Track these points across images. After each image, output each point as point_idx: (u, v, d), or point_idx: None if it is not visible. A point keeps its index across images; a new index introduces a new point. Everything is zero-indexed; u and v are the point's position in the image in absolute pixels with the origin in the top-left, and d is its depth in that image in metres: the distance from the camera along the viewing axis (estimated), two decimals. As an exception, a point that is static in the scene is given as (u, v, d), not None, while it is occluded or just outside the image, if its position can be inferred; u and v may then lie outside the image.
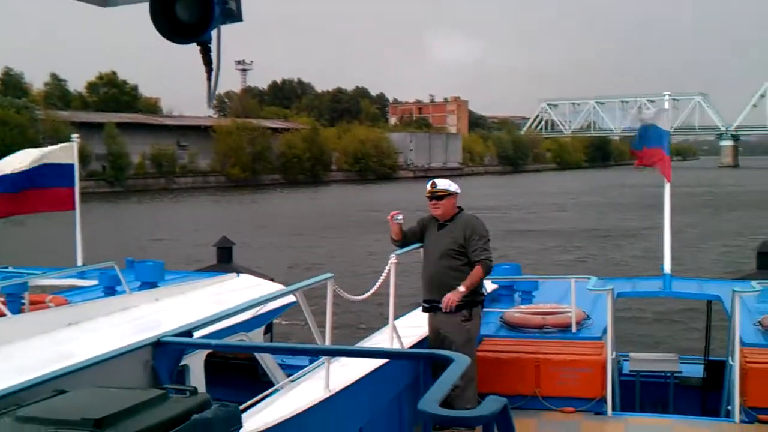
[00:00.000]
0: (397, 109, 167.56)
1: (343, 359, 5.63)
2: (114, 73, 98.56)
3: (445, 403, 2.57)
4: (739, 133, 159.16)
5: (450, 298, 6.39)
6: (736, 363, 6.83)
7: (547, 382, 6.97)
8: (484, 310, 8.17)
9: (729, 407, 6.87)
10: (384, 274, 6.50)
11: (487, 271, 6.57)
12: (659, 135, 8.93)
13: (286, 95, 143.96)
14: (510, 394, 7.04)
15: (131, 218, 49.29)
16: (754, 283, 7.76)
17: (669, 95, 9.64)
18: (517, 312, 8.17)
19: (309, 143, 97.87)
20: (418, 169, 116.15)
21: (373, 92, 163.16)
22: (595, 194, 70.18)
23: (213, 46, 2.41)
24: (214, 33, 2.38)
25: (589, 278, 7.87)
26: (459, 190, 6.72)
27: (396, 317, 6.93)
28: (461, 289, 6.39)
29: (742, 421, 6.62)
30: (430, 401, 2.49)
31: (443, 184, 6.65)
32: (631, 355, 9.96)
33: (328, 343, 5.40)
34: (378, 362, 5.69)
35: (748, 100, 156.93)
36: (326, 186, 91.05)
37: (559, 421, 6.79)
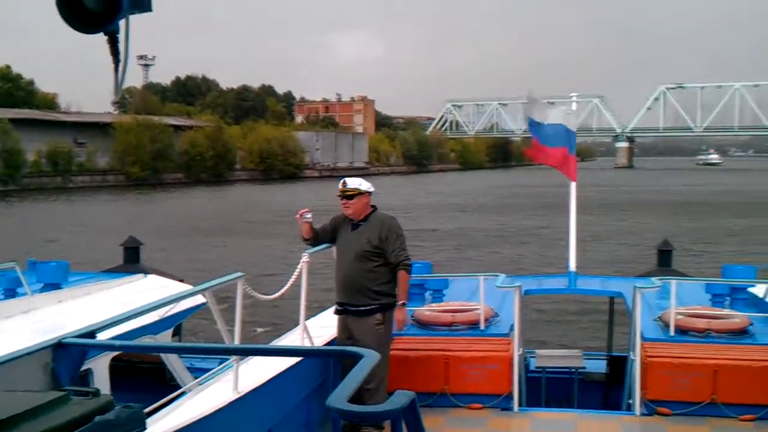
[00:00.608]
0: (304, 107, 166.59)
1: (253, 361, 5.56)
2: (8, 66, 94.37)
3: (358, 404, 2.52)
4: (634, 135, 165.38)
5: (401, 320, 6.47)
6: (637, 357, 7.03)
7: (455, 379, 7.01)
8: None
9: (630, 401, 7.08)
10: (295, 274, 6.40)
11: (410, 272, 6.53)
12: (566, 135, 9.11)
13: (190, 92, 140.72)
14: (419, 391, 7.03)
15: (28, 218, 47.26)
16: (654, 279, 8.02)
17: (576, 96, 9.87)
18: (427, 310, 8.19)
19: (213, 141, 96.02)
20: (325, 169, 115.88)
21: (280, 90, 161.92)
22: (501, 194, 71.60)
23: (120, 36, 2.32)
24: (121, 23, 2.29)
25: (498, 276, 7.97)
26: (372, 189, 6.59)
27: (307, 317, 6.85)
28: (402, 303, 6.40)
29: (642, 414, 6.82)
30: (339, 397, 2.46)
31: (354, 183, 6.53)
32: (538, 351, 10.18)
33: (237, 343, 5.28)
34: (288, 363, 5.62)
35: (643, 103, 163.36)
36: (231, 185, 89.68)
37: (466, 417, 6.84)
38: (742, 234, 36.96)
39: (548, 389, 9.29)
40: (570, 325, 17.30)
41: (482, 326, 7.69)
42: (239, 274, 5.39)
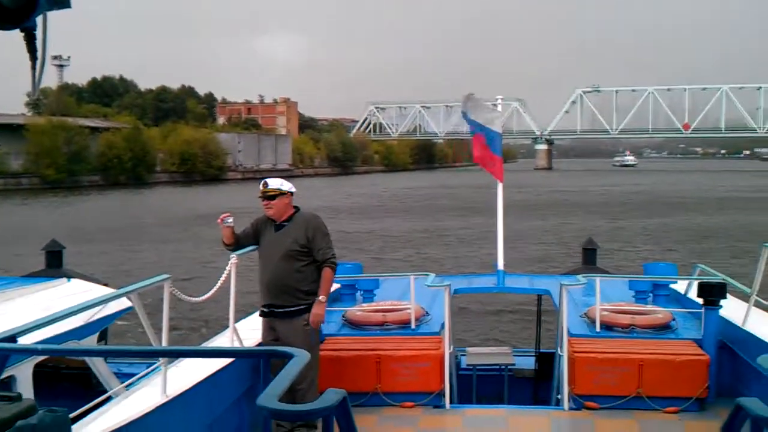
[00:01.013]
0: (226, 109, 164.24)
1: (183, 365, 5.46)
2: None
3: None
4: (553, 137, 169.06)
5: (320, 314, 6.29)
6: (564, 353, 7.15)
7: (387, 377, 7.01)
8: (329, 309, 8.12)
9: (559, 396, 7.19)
10: (223, 276, 6.29)
11: (335, 272, 6.46)
12: (491, 137, 9.19)
13: (107, 93, 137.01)
14: (351, 391, 7.00)
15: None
16: (579, 276, 8.17)
17: (501, 98, 9.97)
18: (358, 310, 8.20)
19: (131, 143, 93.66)
20: (247, 171, 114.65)
21: (201, 91, 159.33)
22: (426, 195, 72.14)
23: (38, 33, 2.19)
24: (39, 19, 2.16)
25: (428, 275, 7.99)
26: (293, 189, 6.50)
27: (236, 320, 6.72)
28: (322, 299, 6.28)
29: (571, 409, 6.95)
30: (270, 396, 2.43)
31: (275, 183, 6.43)
32: (468, 349, 10.29)
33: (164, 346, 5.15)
34: (217, 365, 5.52)
35: (561, 107, 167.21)
36: (150, 188, 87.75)
37: (399, 415, 6.84)
38: (659, 232, 38.16)
39: (479, 386, 9.39)
40: (500, 323, 17.57)
41: (413, 325, 7.72)
42: (165, 276, 5.31)
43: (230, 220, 6.41)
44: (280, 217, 6.38)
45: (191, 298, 6.26)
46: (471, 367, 9.56)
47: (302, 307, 6.23)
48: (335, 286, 9.20)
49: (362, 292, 9.12)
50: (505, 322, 17.69)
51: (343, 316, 8.17)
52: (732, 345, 7.10)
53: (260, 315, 6.50)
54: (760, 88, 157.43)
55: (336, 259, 6.43)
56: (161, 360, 5.01)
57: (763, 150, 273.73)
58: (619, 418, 6.63)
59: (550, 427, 6.62)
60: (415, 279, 7.97)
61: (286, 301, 6.23)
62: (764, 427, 2.28)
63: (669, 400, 6.74)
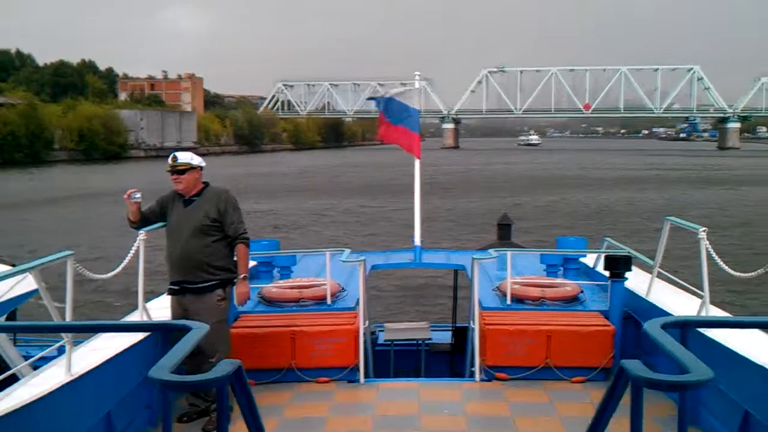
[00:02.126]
0: (128, 85, 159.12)
1: (91, 344, 5.39)
2: None
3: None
4: (459, 116, 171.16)
5: (244, 292, 6.19)
6: (476, 326, 7.27)
7: (302, 353, 6.99)
8: None
9: (473, 368, 7.31)
10: (131, 252, 6.11)
11: (248, 247, 6.33)
12: (409, 114, 9.20)
13: (2, 67, 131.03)
14: (267, 368, 6.98)
15: None
16: (491, 251, 8.30)
17: (418, 75, 9.94)
18: (274, 287, 8.12)
19: (26, 120, 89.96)
20: (150, 149, 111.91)
21: (102, 66, 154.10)
22: (339, 172, 71.95)
23: None
24: None
25: (343, 251, 7.96)
26: (203, 164, 6.32)
27: (148, 300, 6.55)
28: (243, 276, 6.17)
29: (482, 380, 7.07)
30: (161, 368, 2.39)
31: (185, 157, 6.23)
32: (386, 325, 10.36)
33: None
34: (125, 343, 5.41)
35: (468, 87, 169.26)
36: (49, 166, 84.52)
37: (314, 391, 6.83)
38: (571, 208, 39.37)
39: (396, 361, 9.48)
40: (418, 299, 17.77)
41: (329, 301, 7.71)
42: (68, 252, 5.16)
43: (138, 195, 6.17)
44: (189, 191, 6.20)
45: (97, 276, 6.08)
46: (389, 343, 9.64)
47: (214, 282, 6.09)
48: (251, 263, 9.09)
49: (279, 269, 9.05)
50: (423, 297, 17.91)
51: (259, 294, 8.08)
52: (636, 315, 7.33)
53: (169, 293, 6.29)
54: (657, 69, 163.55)
55: (248, 234, 6.30)
56: (66, 338, 4.91)
57: (660, 129, 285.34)
58: (528, 389, 6.77)
59: (461, 399, 6.70)
60: (331, 255, 7.94)
61: (198, 277, 6.06)
62: (642, 386, 2.36)
63: (576, 370, 6.93)
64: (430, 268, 11.78)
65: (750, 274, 5.91)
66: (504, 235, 12.56)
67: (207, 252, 6.07)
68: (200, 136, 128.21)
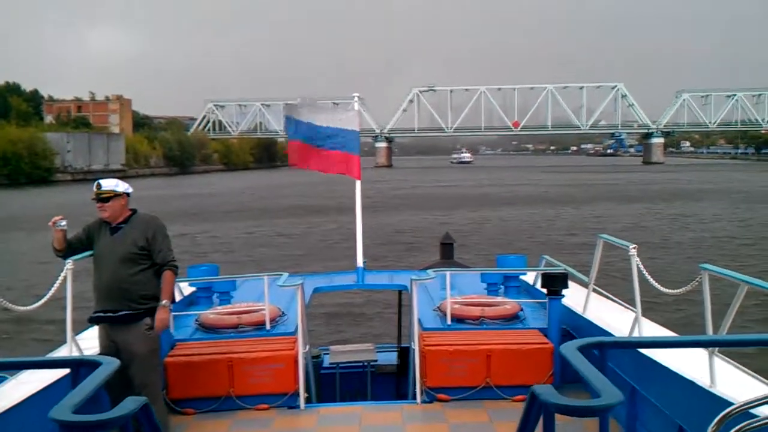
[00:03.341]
0: (53, 107, 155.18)
1: (22, 377, 5.24)
2: None
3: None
4: (392, 135, 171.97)
5: (164, 318, 5.97)
6: (416, 347, 7.25)
7: (240, 381, 6.87)
8: (182, 314, 7.81)
9: (415, 390, 7.28)
10: (57, 282, 5.90)
11: (176, 274, 6.19)
12: (346, 137, 9.10)
13: None
14: (204, 396, 6.82)
15: None
16: (430, 271, 8.30)
17: (358, 96, 9.91)
18: (212, 313, 7.97)
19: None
20: (78, 172, 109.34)
21: (26, 88, 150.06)
22: (270, 194, 71.39)
23: None
24: None
25: (281, 275, 7.86)
26: (130, 190, 6.18)
27: (79, 331, 6.34)
28: (165, 303, 5.98)
29: (423, 402, 7.04)
30: (63, 408, 2.34)
31: (109, 184, 6.09)
32: (331, 348, 10.26)
33: None
34: (52, 378, 5.22)
35: (400, 105, 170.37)
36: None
37: (253, 418, 6.71)
38: (512, 226, 39.77)
39: (342, 384, 9.40)
40: (363, 320, 17.68)
41: (268, 326, 7.60)
42: None
43: (63, 222, 5.96)
44: (115, 219, 6.06)
45: (19, 308, 5.89)
46: (334, 366, 9.55)
47: (141, 311, 5.93)
48: (190, 290, 8.89)
49: (218, 295, 8.89)
50: (368, 318, 17.83)
51: (197, 320, 7.92)
52: (574, 332, 7.42)
53: (93, 322, 6.12)
54: (582, 87, 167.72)
55: (177, 262, 6.16)
56: None
57: (589, 146, 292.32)
58: (469, 409, 6.77)
59: (402, 421, 6.66)
60: (270, 279, 7.83)
61: (124, 306, 5.90)
62: (554, 411, 2.36)
63: (516, 389, 6.95)
64: (373, 290, 11.71)
65: (677, 291, 6.03)
66: (447, 254, 12.59)
67: (135, 280, 5.93)
68: (129, 159, 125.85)
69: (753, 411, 2.93)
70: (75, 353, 5.97)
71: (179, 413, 6.81)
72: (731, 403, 3.12)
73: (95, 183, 6.12)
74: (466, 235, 32.88)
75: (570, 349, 2.88)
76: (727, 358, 5.11)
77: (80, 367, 3.38)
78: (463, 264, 12.71)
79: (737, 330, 4.95)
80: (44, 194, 73.12)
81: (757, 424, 2.61)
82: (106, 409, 2.48)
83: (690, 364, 4.97)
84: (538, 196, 63.79)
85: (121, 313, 5.88)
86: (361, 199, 9.61)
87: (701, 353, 4.80)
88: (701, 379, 4.75)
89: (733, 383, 4.67)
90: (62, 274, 5.97)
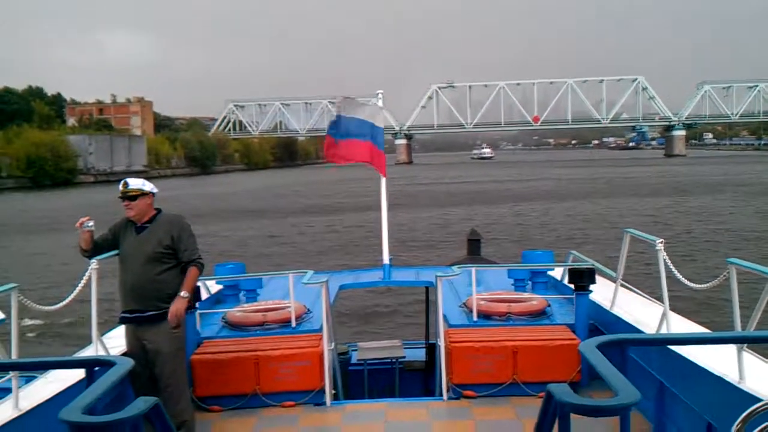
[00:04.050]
0: (76, 110, 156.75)
1: (42, 379, 5.31)
2: None
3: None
4: (412, 132, 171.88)
5: (178, 308, 5.94)
6: (442, 344, 7.22)
7: (266, 378, 6.89)
8: (209, 312, 7.83)
9: (442, 387, 7.25)
10: (82, 282, 5.93)
11: (201, 272, 6.19)
12: (375, 133, 9.11)
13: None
14: (231, 394, 6.85)
15: None
16: (454, 267, 8.26)
17: (381, 93, 9.87)
18: (238, 311, 8.00)
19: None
20: (100, 174, 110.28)
21: (49, 92, 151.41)
22: (292, 192, 71.53)
23: None
24: None
25: (306, 272, 7.86)
26: (155, 190, 6.22)
27: (106, 331, 6.38)
28: (184, 294, 5.96)
29: (450, 398, 7.01)
30: (73, 409, 2.35)
31: (136, 183, 6.12)
32: (360, 344, 10.27)
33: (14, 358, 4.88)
34: (75, 377, 5.23)
35: (419, 102, 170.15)
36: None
37: (279, 416, 6.72)
38: (539, 221, 39.62)
39: (371, 381, 9.42)
40: (392, 317, 17.67)
41: (293, 324, 7.61)
42: (12, 285, 5.05)
43: (90, 223, 6.00)
44: (141, 218, 6.07)
45: (44, 308, 5.93)
46: (362, 362, 9.56)
47: (166, 310, 5.94)
48: (217, 288, 8.93)
49: (245, 293, 8.92)
50: (396, 314, 17.83)
51: (223, 318, 7.95)
52: (602, 327, 7.35)
53: (122, 322, 6.16)
54: (602, 81, 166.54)
55: (202, 260, 6.17)
56: (11, 374, 4.81)
57: (610, 139, 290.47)
58: (495, 406, 6.72)
59: (428, 418, 6.63)
60: (294, 276, 7.84)
61: (151, 306, 5.92)
62: (569, 411, 2.32)
63: (543, 385, 6.87)
64: (400, 286, 11.68)
65: (705, 285, 5.96)
66: (473, 250, 12.55)
67: (160, 280, 5.95)
68: (150, 160, 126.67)
69: None
70: (101, 353, 6.00)
71: (206, 410, 6.84)
72: (760, 400, 3.06)
73: (122, 182, 6.16)
74: (493, 231, 32.80)
75: (589, 347, 2.83)
76: (756, 354, 5.04)
77: (95, 367, 3.38)
78: (490, 260, 12.65)
79: (766, 326, 4.87)
80: (66, 196, 73.81)
81: None
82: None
83: (719, 360, 4.91)
84: (560, 191, 63.44)
85: (148, 313, 5.91)
86: (382, 196, 9.57)
87: (731, 349, 4.73)
88: (730, 375, 4.69)
89: (763, 379, 4.61)
90: (86, 274, 6.00)
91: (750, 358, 4.83)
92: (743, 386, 4.53)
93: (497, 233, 32.84)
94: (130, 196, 6.02)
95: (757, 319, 4.64)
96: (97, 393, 2.54)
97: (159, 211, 6.21)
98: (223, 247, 30.40)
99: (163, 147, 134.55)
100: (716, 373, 4.82)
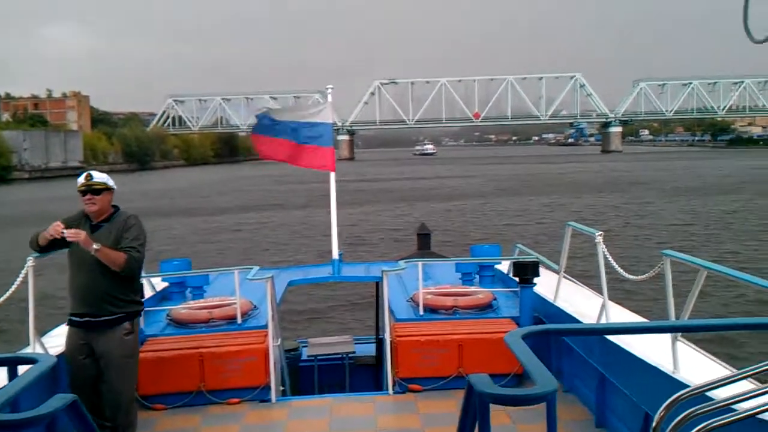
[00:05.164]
0: (10, 105, 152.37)
1: None
2: None
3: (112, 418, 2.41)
4: (354, 128, 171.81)
5: (83, 237, 5.41)
6: (388, 338, 7.25)
7: (211, 375, 6.82)
8: (154, 309, 7.70)
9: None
10: (18, 281, 5.68)
11: (130, 263, 5.55)
12: (320, 131, 9.00)
13: None
14: (175, 392, 6.76)
15: None
16: (401, 262, 8.29)
17: (330, 88, 9.79)
18: (183, 308, 7.89)
19: None
20: (35, 170, 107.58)
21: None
22: (230, 188, 70.81)
23: None
24: None
25: (251, 268, 7.80)
26: (115, 186, 5.83)
27: (46, 331, 6.21)
28: (96, 246, 5.41)
29: (396, 393, 7.04)
30: None
31: (101, 176, 5.71)
32: (310, 340, 10.23)
33: None
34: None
35: (361, 98, 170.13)
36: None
37: (224, 413, 6.66)
38: (489, 216, 39.98)
39: (321, 377, 9.40)
40: (343, 312, 17.63)
41: (239, 320, 7.54)
42: None
43: (65, 232, 5.48)
44: (100, 215, 5.70)
45: None
46: (312, 358, 9.53)
47: (121, 315, 5.65)
48: (162, 285, 8.77)
49: (191, 290, 8.81)
50: (347, 310, 17.82)
51: (168, 315, 7.84)
52: (545, 320, 7.44)
53: (70, 325, 5.75)
54: (542, 78, 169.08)
55: (140, 256, 5.68)
56: None
57: (550, 135, 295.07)
58: (441, 399, 6.75)
59: (374, 413, 6.64)
60: (240, 273, 7.77)
61: (103, 310, 5.58)
62: (489, 401, 2.35)
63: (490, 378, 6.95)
64: (351, 282, 11.64)
65: (641, 277, 6.09)
66: (423, 244, 12.64)
67: (114, 283, 5.58)
68: (87, 155, 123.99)
69: (709, 394, 2.94)
70: (39, 352, 5.82)
71: (149, 409, 6.74)
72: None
73: (84, 174, 5.76)
74: (442, 226, 33.03)
75: (514, 338, 2.87)
76: (690, 344, 5.17)
77: (18, 365, 3.27)
78: (439, 254, 12.74)
79: (698, 315, 5.00)
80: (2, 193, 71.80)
81: (706, 409, 2.61)
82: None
83: (656, 350, 5.00)
84: (504, 187, 64.19)
85: (101, 318, 5.58)
86: (331, 191, 9.54)
87: (667, 339, 4.84)
88: (665, 364, 4.78)
89: (697, 368, 4.70)
90: (22, 273, 5.73)
91: (685, 348, 4.93)
92: (677, 375, 4.61)
93: (447, 228, 33.05)
94: (94, 190, 5.63)
95: (690, 309, 4.73)
96: (15, 390, 2.45)
97: (117, 209, 5.85)
98: (166, 244, 29.94)
99: (99, 142, 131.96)
100: (652, 363, 4.90)
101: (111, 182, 5.79)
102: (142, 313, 6.75)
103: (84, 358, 5.61)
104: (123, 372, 5.65)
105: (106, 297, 5.58)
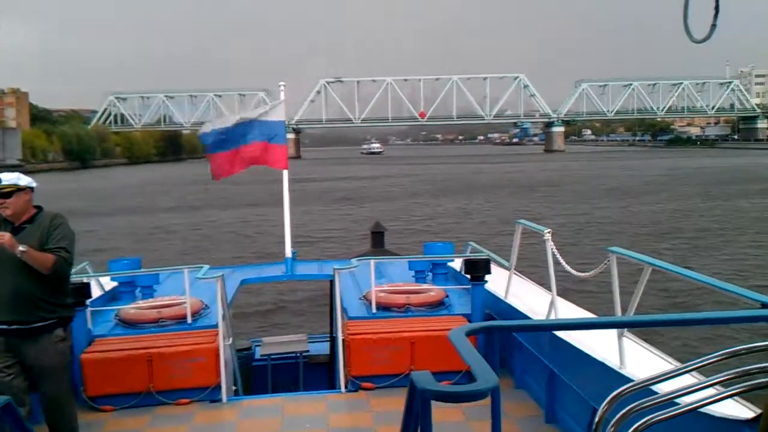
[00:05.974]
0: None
1: None
2: None
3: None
4: (300, 126, 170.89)
5: (8, 241, 5.12)
6: (341, 336, 7.24)
7: (160, 376, 6.74)
8: (101, 309, 7.55)
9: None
10: None
11: (59, 265, 5.31)
12: (276, 129, 8.87)
13: None
14: (123, 393, 6.65)
15: None
16: (354, 260, 8.29)
17: (283, 85, 9.66)
18: (132, 308, 7.75)
19: None
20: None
21: None
22: (173, 188, 69.89)
23: None
24: None
25: (201, 267, 7.70)
26: (34, 184, 5.57)
27: None
28: (22, 248, 5.16)
29: (348, 391, 7.06)
30: None
31: (10, 178, 5.44)
32: (264, 340, 10.15)
33: None
34: None
35: (307, 97, 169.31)
36: None
37: (173, 414, 6.59)
38: (439, 214, 40.27)
39: (274, 376, 9.35)
40: (296, 311, 17.49)
41: (189, 320, 7.45)
42: None
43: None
44: (19, 217, 5.44)
45: None
46: (266, 357, 9.46)
47: (53, 320, 5.42)
48: (111, 284, 8.59)
49: (141, 289, 8.65)
50: (301, 309, 17.71)
51: (116, 315, 7.70)
52: (497, 316, 7.51)
53: None
54: (486, 78, 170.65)
55: (69, 258, 5.43)
56: None
57: (495, 135, 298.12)
58: (393, 396, 6.75)
59: (325, 411, 6.64)
60: (190, 272, 7.66)
61: (32, 317, 5.32)
62: (430, 398, 2.37)
63: (441, 375, 6.95)
64: (304, 280, 11.58)
65: (588, 273, 6.19)
66: (377, 242, 12.62)
67: (43, 287, 5.33)
68: (26, 153, 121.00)
69: (653, 388, 3.00)
70: None
71: (97, 410, 6.62)
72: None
73: None
74: (395, 224, 33.15)
75: (457, 335, 2.89)
76: (637, 339, 5.27)
77: None
78: (393, 252, 12.75)
79: (644, 311, 5.10)
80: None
81: (650, 403, 2.66)
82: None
83: (603, 345, 5.06)
84: (453, 185, 64.67)
85: (31, 326, 5.33)
86: (281, 190, 9.45)
87: (614, 334, 4.90)
88: (612, 360, 4.84)
89: (643, 363, 4.79)
90: None
91: (630, 343, 5.00)
92: (623, 371, 4.67)
93: (401, 227, 33.19)
94: (4, 193, 5.38)
95: (636, 304, 4.80)
96: None
97: (40, 209, 5.60)
98: (115, 243, 29.40)
99: (39, 140, 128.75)
100: (599, 358, 4.97)
101: (23, 182, 5.51)
102: (85, 309, 6.57)
103: (10, 370, 5.33)
104: (60, 381, 5.47)
105: (36, 302, 5.33)
